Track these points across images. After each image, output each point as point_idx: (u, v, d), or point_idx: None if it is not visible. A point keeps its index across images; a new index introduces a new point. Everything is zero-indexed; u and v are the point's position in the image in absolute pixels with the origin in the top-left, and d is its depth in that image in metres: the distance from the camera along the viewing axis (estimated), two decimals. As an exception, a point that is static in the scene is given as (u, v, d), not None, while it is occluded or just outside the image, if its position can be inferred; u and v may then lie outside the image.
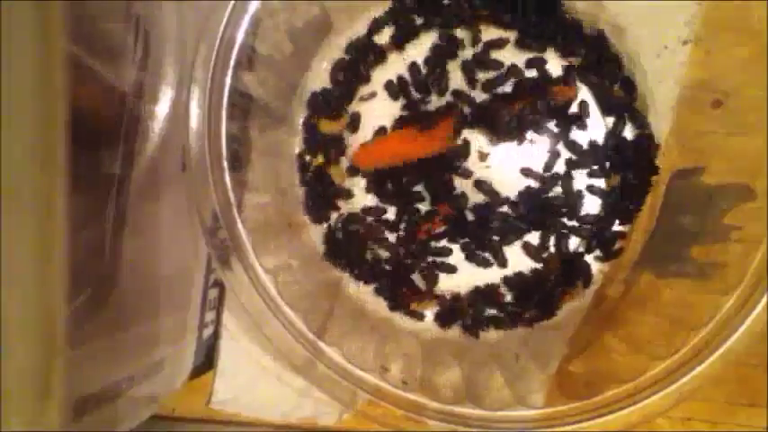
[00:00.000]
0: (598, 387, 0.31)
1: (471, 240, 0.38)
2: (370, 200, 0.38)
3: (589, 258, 0.38)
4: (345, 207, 0.38)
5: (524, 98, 0.37)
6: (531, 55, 0.38)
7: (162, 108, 0.32)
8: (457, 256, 0.38)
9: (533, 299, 0.37)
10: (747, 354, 0.30)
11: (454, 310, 0.38)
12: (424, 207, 0.38)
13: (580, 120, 0.37)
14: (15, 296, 0.15)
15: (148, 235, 0.32)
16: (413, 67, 0.38)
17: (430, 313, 0.38)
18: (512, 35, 0.38)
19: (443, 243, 0.38)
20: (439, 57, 0.38)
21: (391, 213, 0.38)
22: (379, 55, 0.38)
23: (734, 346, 0.30)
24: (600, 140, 0.38)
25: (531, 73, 0.38)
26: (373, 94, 0.38)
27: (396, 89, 0.38)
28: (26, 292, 0.16)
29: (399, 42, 0.38)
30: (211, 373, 0.38)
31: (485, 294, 0.38)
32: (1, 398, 0.15)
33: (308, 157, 0.38)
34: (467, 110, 0.37)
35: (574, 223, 0.38)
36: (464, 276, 0.38)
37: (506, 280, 0.38)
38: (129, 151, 0.29)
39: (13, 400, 0.15)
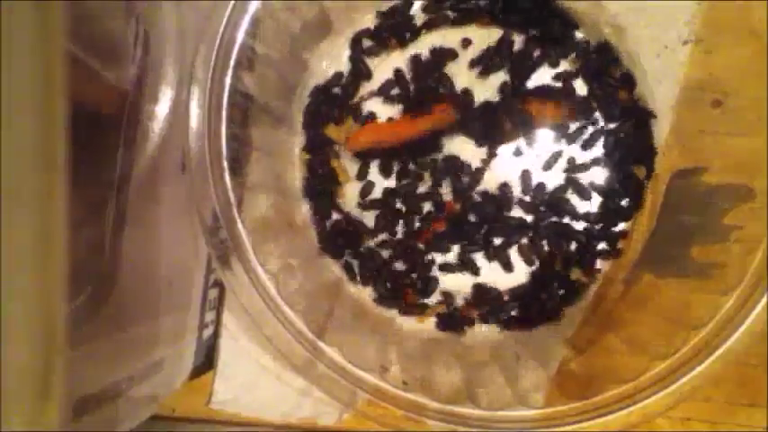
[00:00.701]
0: (598, 387, 0.31)
1: (472, 243, 0.38)
2: (375, 192, 0.38)
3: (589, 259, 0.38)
4: (346, 208, 0.38)
5: (526, 100, 0.37)
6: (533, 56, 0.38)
7: (162, 108, 0.32)
8: (456, 256, 0.38)
9: (534, 302, 0.37)
10: (747, 354, 0.30)
11: (454, 314, 0.38)
12: (427, 207, 0.38)
13: (580, 120, 0.37)
14: (15, 296, 0.15)
15: (148, 235, 0.32)
16: (415, 60, 0.38)
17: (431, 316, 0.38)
18: (513, 35, 0.38)
19: (445, 244, 0.38)
20: (440, 57, 0.38)
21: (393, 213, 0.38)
22: (382, 47, 0.38)
23: (734, 346, 0.30)
24: (600, 140, 0.38)
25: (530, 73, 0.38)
26: (374, 93, 0.38)
27: (395, 87, 0.38)
28: (26, 292, 0.16)
29: (402, 40, 0.38)
30: (211, 373, 0.38)
31: (485, 296, 0.38)
32: (1, 398, 0.15)
33: (308, 157, 0.38)
34: (468, 111, 0.37)
35: (574, 223, 0.38)
36: (465, 276, 0.38)
37: (510, 290, 0.38)
38: (129, 151, 0.29)
39: (13, 400, 0.15)
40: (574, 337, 0.36)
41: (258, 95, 0.34)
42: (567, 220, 0.38)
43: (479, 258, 0.38)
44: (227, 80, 0.31)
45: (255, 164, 0.34)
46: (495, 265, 0.38)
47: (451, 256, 0.38)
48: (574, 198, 0.38)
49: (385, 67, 0.38)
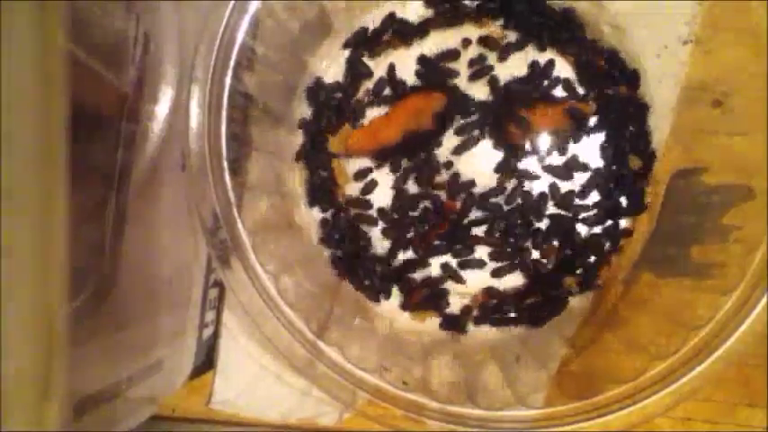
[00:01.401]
0: (598, 387, 0.31)
1: (472, 243, 0.38)
2: (371, 199, 0.38)
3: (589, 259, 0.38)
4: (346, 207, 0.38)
5: (528, 106, 0.37)
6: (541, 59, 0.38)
7: (162, 108, 0.32)
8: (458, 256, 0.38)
9: (533, 301, 0.37)
10: (747, 354, 0.30)
11: (455, 316, 0.38)
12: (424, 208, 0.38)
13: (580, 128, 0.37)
14: (15, 296, 0.15)
15: (148, 235, 0.32)
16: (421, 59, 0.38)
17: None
18: (513, 36, 0.38)
19: (445, 244, 0.38)
20: (441, 57, 0.38)
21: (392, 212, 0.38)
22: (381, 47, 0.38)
23: (734, 346, 0.30)
24: (600, 140, 0.38)
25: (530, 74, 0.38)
26: (370, 93, 0.38)
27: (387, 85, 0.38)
28: (26, 292, 0.16)
29: (401, 42, 0.38)
30: (211, 373, 0.38)
31: (486, 296, 0.38)
32: (1, 398, 0.15)
33: (307, 156, 0.38)
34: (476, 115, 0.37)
35: (574, 222, 0.38)
36: (466, 278, 0.38)
37: (510, 290, 0.38)
38: (129, 151, 0.29)
39: (13, 400, 0.15)
40: (574, 337, 0.36)
41: (258, 95, 0.34)
42: (566, 220, 0.38)
43: (479, 259, 0.38)
44: (227, 80, 0.31)
45: (255, 164, 0.34)
46: (495, 265, 0.38)
47: (453, 255, 0.38)
48: (574, 198, 0.38)
49: (385, 67, 0.38)
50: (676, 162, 0.36)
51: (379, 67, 0.38)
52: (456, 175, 0.38)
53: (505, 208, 0.38)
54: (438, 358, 0.35)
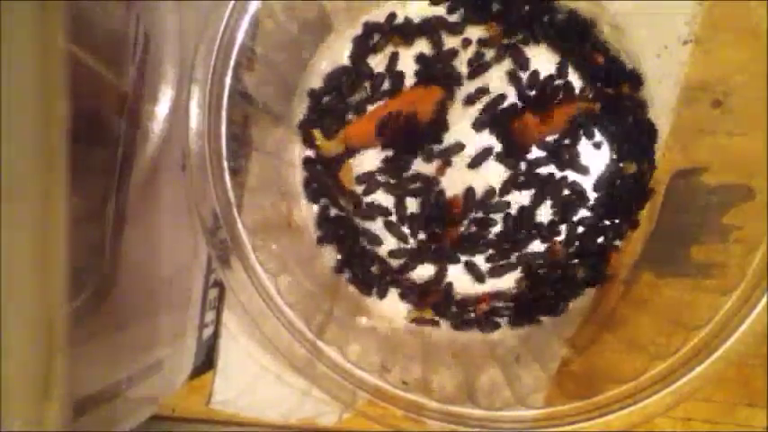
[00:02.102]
0: (598, 387, 0.31)
1: (471, 242, 0.38)
2: (371, 200, 0.38)
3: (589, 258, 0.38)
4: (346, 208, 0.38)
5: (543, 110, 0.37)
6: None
7: (162, 108, 0.32)
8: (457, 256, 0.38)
9: (534, 301, 0.38)
10: (747, 354, 0.30)
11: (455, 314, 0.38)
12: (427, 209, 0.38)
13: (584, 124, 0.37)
14: (15, 296, 0.15)
15: (148, 235, 0.32)
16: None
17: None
18: (514, 36, 0.38)
19: (445, 244, 0.38)
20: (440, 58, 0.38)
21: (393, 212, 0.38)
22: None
23: (734, 346, 0.30)
24: (600, 140, 0.38)
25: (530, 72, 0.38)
26: (370, 91, 0.38)
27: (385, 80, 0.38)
28: (26, 292, 0.16)
29: (406, 39, 0.38)
30: (211, 373, 0.38)
31: (486, 295, 0.38)
32: (1, 398, 0.15)
33: (308, 157, 0.38)
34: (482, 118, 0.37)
35: (573, 222, 0.38)
36: (466, 277, 0.38)
37: (510, 290, 0.38)
38: (129, 151, 0.29)
39: (13, 400, 0.15)
40: (574, 337, 0.36)
41: (258, 95, 0.34)
42: (566, 220, 0.38)
43: (480, 259, 0.38)
44: (227, 80, 0.31)
45: (255, 164, 0.34)
46: (495, 265, 0.38)
47: (452, 255, 0.38)
48: (573, 198, 0.38)
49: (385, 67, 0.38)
50: (676, 162, 0.36)
51: (378, 67, 0.38)
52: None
53: (505, 207, 0.38)
54: (438, 358, 0.35)
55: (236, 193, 0.31)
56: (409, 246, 0.38)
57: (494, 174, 0.38)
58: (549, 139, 0.37)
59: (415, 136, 0.37)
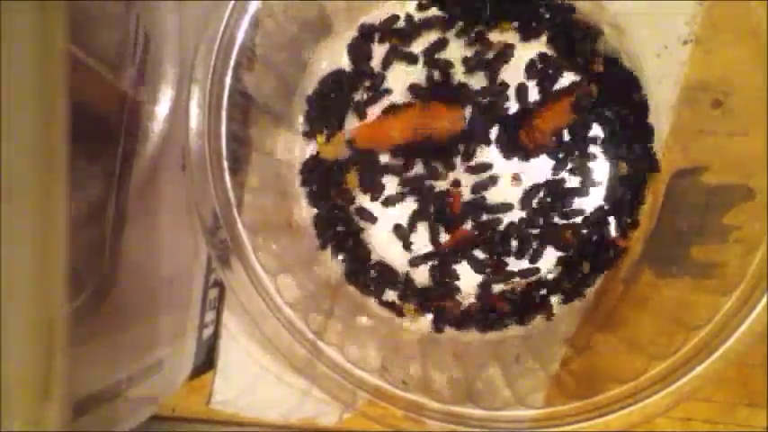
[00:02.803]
0: (598, 387, 0.31)
1: (471, 242, 0.38)
2: (371, 199, 0.38)
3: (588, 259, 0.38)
4: (346, 207, 0.38)
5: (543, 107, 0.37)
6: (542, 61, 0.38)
7: (162, 108, 0.32)
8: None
9: (533, 300, 0.38)
10: (747, 354, 0.30)
11: (454, 314, 0.38)
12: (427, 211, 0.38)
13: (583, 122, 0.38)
14: (15, 296, 0.15)
15: (148, 235, 0.32)
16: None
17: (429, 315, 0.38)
18: (513, 36, 0.38)
19: (445, 244, 0.38)
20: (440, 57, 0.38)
21: (393, 214, 0.38)
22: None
23: (734, 346, 0.30)
24: (600, 140, 0.38)
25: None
26: (371, 93, 0.38)
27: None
28: (26, 292, 0.16)
29: (401, 41, 0.38)
30: (211, 373, 0.38)
31: (486, 295, 0.38)
32: (1, 398, 0.15)
33: (307, 158, 0.38)
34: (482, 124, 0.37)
35: (573, 223, 0.38)
36: (464, 276, 0.38)
37: (510, 290, 0.38)
38: (129, 151, 0.29)
39: (13, 400, 0.15)
40: (574, 337, 0.36)
41: (258, 95, 0.34)
42: (566, 219, 0.38)
43: (479, 259, 0.38)
44: (227, 80, 0.31)
45: (255, 164, 0.34)
46: (494, 265, 0.38)
47: (451, 255, 0.38)
48: (574, 198, 0.38)
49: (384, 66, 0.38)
50: (676, 162, 0.36)
51: (377, 67, 0.38)
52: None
53: (505, 207, 0.38)
54: (438, 358, 0.35)
55: (236, 193, 0.31)
56: (413, 250, 0.38)
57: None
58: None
59: (435, 152, 0.37)
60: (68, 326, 0.17)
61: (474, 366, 0.35)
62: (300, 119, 0.38)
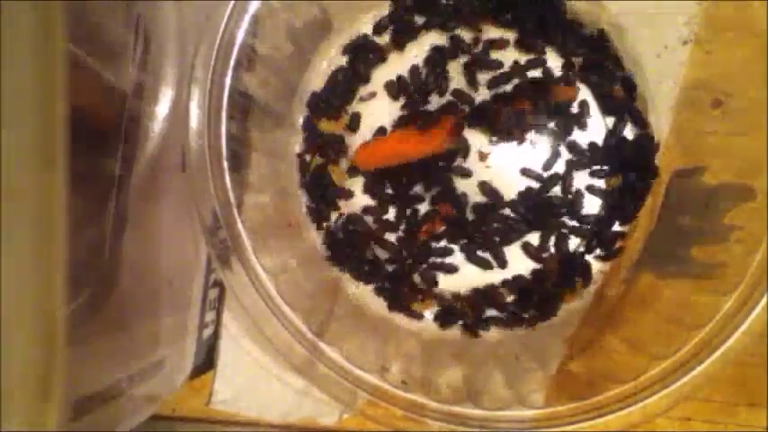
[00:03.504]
0: (598, 387, 0.31)
1: (471, 241, 0.38)
2: (370, 200, 0.38)
3: (589, 258, 0.38)
4: (346, 208, 0.38)
5: (525, 98, 0.37)
6: (531, 56, 0.38)
7: (162, 108, 0.32)
8: (457, 257, 0.38)
9: (533, 300, 0.37)
10: (747, 354, 0.30)
11: (453, 311, 0.38)
12: (423, 208, 0.38)
13: (580, 120, 0.37)
14: (15, 296, 0.15)
15: (148, 235, 0.32)
16: (413, 69, 0.38)
17: (429, 313, 0.38)
18: (512, 35, 0.38)
19: (443, 243, 0.38)
20: (439, 57, 0.38)
21: (391, 214, 0.38)
22: (379, 55, 0.38)
23: (734, 346, 0.30)
24: (600, 140, 0.38)
25: (532, 73, 0.38)
26: (373, 95, 0.38)
27: (395, 90, 0.38)
28: (26, 292, 0.16)
29: (399, 42, 0.38)
30: (211, 373, 0.38)
31: (484, 295, 0.38)
32: (1, 398, 0.15)
33: (308, 157, 0.38)
34: (467, 109, 0.37)
35: (574, 223, 0.38)
36: (464, 277, 0.38)
37: (506, 282, 0.38)
38: (130, 151, 0.29)
39: (13, 400, 0.15)
40: (574, 337, 0.36)
41: (258, 95, 0.34)
42: (566, 219, 0.38)
43: (479, 259, 0.38)
44: (227, 80, 0.31)
45: (255, 164, 0.34)
46: (494, 265, 0.38)
47: (452, 256, 0.38)
48: (574, 198, 0.38)
49: (384, 67, 0.38)
50: (676, 162, 0.36)
51: (379, 67, 0.38)
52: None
53: (505, 207, 0.38)
54: (438, 358, 0.35)
55: (236, 193, 0.31)
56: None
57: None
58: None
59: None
60: (68, 326, 0.17)
61: (474, 366, 0.35)
62: (300, 119, 0.38)
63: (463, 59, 0.38)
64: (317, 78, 0.38)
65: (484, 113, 0.37)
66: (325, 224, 0.38)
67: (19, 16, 0.16)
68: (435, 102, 0.38)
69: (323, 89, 0.38)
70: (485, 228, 0.37)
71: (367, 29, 0.38)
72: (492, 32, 0.38)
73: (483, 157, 0.38)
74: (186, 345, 0.36)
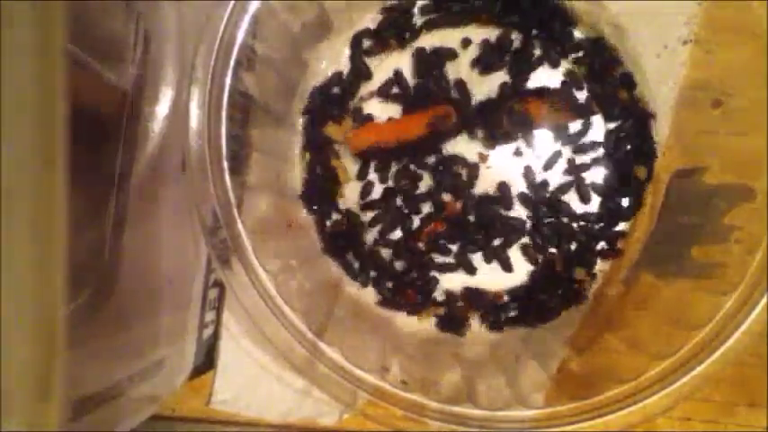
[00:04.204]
0: (598, 387, 0.31)
1: (472, 243, 0.38)
2: (370, 199, 0.38)
3: (589, 258, 0.38)
4: (346, 207, 0.38)
5: (525, 100, 0.37)
6: (531, 56, 0.38)
7: (162, 108, 0.32)
8: (457, 258, 0.38)
9: (533, 301, 0.37)
10: (747, 354, 0.30)
11: (454, 313, 0.38)
12: (425, 208, 0.38)
13: (581, 120, 0.37)
14: (15, 296, 0.15)
15: (148, 235, 0.32)
16: (413, 69, 0.38)
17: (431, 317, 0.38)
18: (514, 35, 0.38)
19: (444, 243, 0.38)
20: (440, 58, 0.38)
21: (391, 215, 0.38)
22: (380, 53, 0.38)
23: (734, 346, 0.30)
24: (600, 140, 0.38)
25: (532, 73, 0.38)
26: (373, 94, 0.38)
27: (396, 89, 0.38)
28: (26, 292, 0.16)
29: (400, 42, 0.38)
30: (211, 373, 0.38)
31: (485, 296, 0.38)
32: (1, 398, 0.15)
33: (308, 157, 0.38)
34: (466, 110, 0.37)
35: (574, 223, 0.38)
36: (464, 277, 0.38)
37: (506, 283, 0.38)
38: (129, 151, 0.29)
39: (13, 400, 0.15)
40: (574, 337, 0.36)
41: (258, 95, 0.34)
42: (566, 220, 0.38)
43: (478, 259, 0.38)
44: (227, 80, 0.31)
45: (255, 164, 0.34)
46: (495, 266, 0.38)
47: (451, 256, 0.38)
48: (574, 198, 0.38)
49: (385, 67, 0.38)
50: (676, 162, 0.36)
51: (379, 67, 0.38)
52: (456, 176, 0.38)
53: (505, 208, 0.38)
54: (438, 358, 0.35)
55: (236, 193, 0.31)
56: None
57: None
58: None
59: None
60: (68, 326, 0.17)
61: (474, 366, 0.35)
62: (300, 119, 0.38)
63: (464, 60, 0.38)
64: (316, 78, 0.38)
65: (483, 114, 0.37)
66: (325, 224, 0.38)
67: (19, 16, 0.16)
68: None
69: (324, 87, 0.38)
70: (486, 229, 0.37)
71: (370, 23, 0.38)
72: (492, 33, 0.38)
73: (483, 158, 0.38)
74: (186, 345, 0.36)
